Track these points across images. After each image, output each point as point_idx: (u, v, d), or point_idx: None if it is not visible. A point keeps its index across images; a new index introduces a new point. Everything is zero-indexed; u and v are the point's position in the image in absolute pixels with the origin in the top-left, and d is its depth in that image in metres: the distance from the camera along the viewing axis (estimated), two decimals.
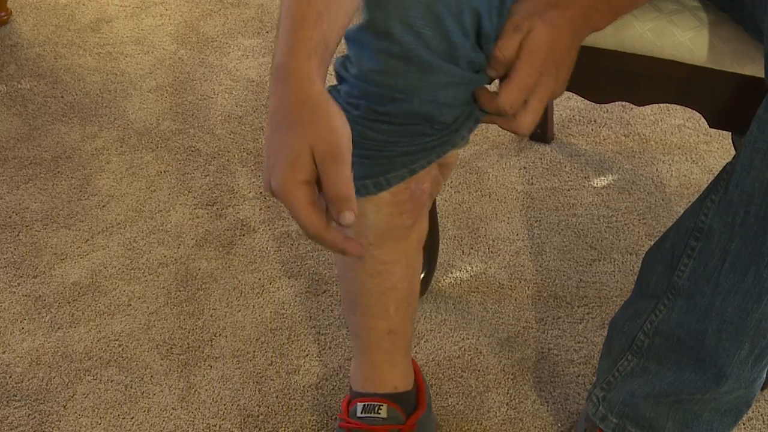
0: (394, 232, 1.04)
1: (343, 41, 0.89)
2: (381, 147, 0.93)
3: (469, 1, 0.85)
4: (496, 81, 0.94)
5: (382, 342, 1.14)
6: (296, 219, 0.80)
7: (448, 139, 0.95)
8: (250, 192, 1.69)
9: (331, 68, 0.89)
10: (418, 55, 0.85)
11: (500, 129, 1.79)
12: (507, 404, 1.30)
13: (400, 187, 0.98)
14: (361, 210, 0.99)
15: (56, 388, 1.34)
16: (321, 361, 1.37)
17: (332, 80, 0.94)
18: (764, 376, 1.03)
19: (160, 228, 1.61)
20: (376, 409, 1.14)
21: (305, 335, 1.41)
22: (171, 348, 1.39)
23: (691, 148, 1.76)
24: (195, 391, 1.33)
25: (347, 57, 0.91)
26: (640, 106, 1.17)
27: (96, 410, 1.30)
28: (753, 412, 1.27)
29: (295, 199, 0.78)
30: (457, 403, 1.31)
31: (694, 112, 1.13)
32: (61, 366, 1.37)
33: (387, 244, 1.05)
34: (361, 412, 1.15)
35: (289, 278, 1.51)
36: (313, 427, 1.28)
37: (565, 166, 1.72)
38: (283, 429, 1.28)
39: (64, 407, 1.31)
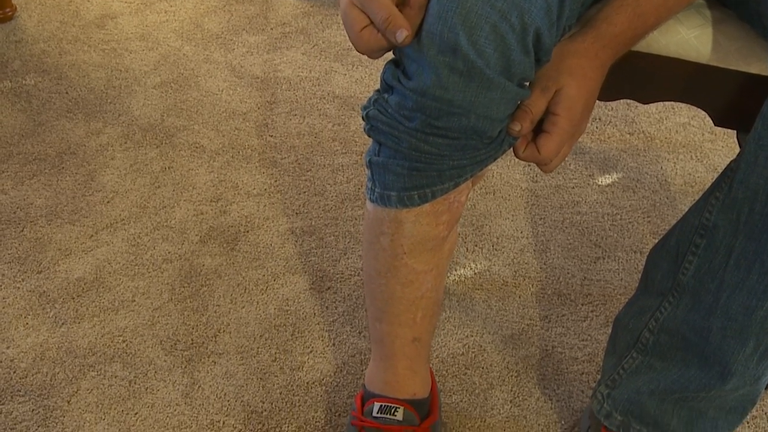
0: (430, 242, 1.04)
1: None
2: (432, 160, 0.94)
3: (532, 21, 0.85)
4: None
5: (406, 349, 1.14)
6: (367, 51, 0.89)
7: (493, 153, 0.95)
8: (254, 188, 1.69)
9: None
10: (481, 71, 0.86)
11: None
12: (511, 401, 1.31)
13: (440, 198, 0.99)
14: (399, 220, 1.02)
15: (60, 383, 1.34)
16: (325, 357, 1.37)
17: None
18: None
19: (165, 224, 1.62)
20: (393, 411, 1.15)
21: (309, 332, 1.41)
22: (175, 344, 1.40)
23: (696, 146, 1.76)
24: (199, 387, 1.33)
25: (402, 70, 0.91)
26: (645, 104, 1.17)
27: (100, 406, 1.31)
28: (758, 410, 1.27)
29: (364, 42, 0.87)
30: (461, 401, 1.31)
31: (699, 110, 1.13)
32: (65, 361, 1.37)
33: (422, 255, 1.05)
34: (377, 412, 1.15)
35: (293, 275, 1.51)
36: (317, 423, 1.28)
37: (570, 164, 1.72)
38: (287, 425, 1.28)
39: (68, 402, 1.31)
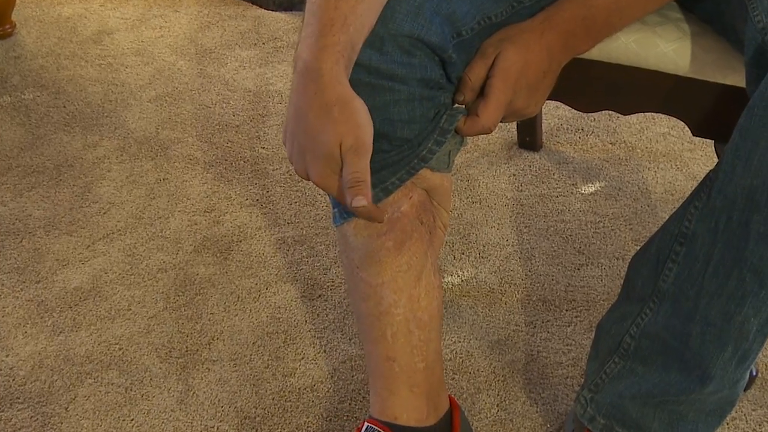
0: (376, 254, 1.03)
1: None
2: None
3: (397, 26, 0.90)
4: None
5: (381, 368, 1.10)
6: (338, 200, 0.91)
7: (411, 154, 0.96)
8: (246, 199, 1.69)
9: None
10: (358, 78, 0.89)
11: (490, 138, 1.80)
12: (498, 405, 1.30)
13: None
14: (344, 234, 1.04)
15: (58, 390, 1.33)
16: (316, 364, 1.37)
17: None
18: (747, 377, 1.02)
19: (159, 234, 1.61)
20: None
21: (301, 339, 1.41)
22: (170, 351, 1.39)
23: (675, 156, 1.76)
24: (193, 393, 1.33)
25: None
26: (626, 115, 1.17)
27: (97, 412, 1.30)
28: (737, 412, 1.27)
29: (333, 188, 0.89)
30: None
31: (679, 120, 1.13)
32: (62, 369, 1.36)
33: (371, 267, 1.04)
34: None
35: (284, 283, 1.51)
36: (309, 428, 1.28)
37: (554, 174, 1.72)
38: (279, 430, 1.27)
39: (66, 409, 1.30)
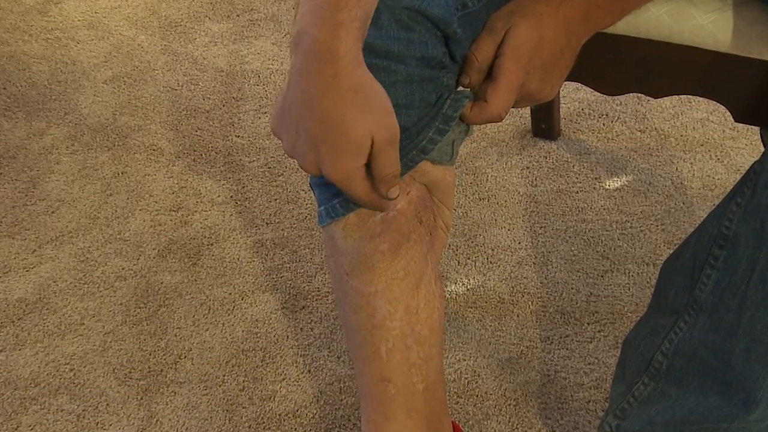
0: (369, 258, 1.03)
1: None
2: None
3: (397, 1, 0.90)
4: None
5: (374, 389, 1.10)
6: (356, 198, 0.91)
7: (409, 144, 0.97)
8: (219, 196, 1.69)
9: None
10: None
11: (500, 125, 1.81)
12: None
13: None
14: (332, 236, 1.03)
15: None
16: (299, 386, 1.37)
17: None
18: None
19: (118, 237, 1.61)
20: None
21: (281, 357, 1.41)
22: (129, 372, 1.39)
23: (715, 145, 1.76)
24: (157, 420, 1.33)
25: None
26: (657, 98, 1.17)
27: None
28: None
29: (356, 183, 0.89)
30: None
31: (718, 104, 1.13)
32: (3, 394, 1.36)
33: (363, 274, 1.04)
34: None
35: (263, 293, 1.51)
36: None
37: (574, 166, 1.73)
38: None
39: None
